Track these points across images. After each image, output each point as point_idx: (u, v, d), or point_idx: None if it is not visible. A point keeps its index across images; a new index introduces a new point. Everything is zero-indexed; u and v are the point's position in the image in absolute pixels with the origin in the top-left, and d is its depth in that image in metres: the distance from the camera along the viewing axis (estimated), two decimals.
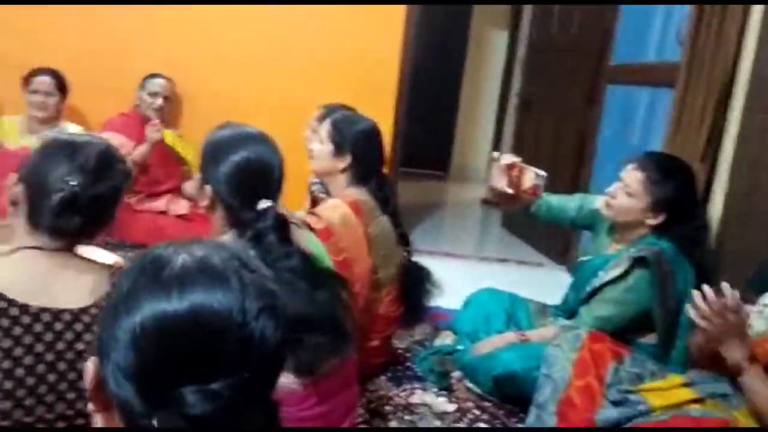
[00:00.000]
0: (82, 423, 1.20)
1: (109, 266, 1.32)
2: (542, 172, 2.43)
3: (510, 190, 2.39)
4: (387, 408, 2.15)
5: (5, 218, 1.31)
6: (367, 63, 3.75)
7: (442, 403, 2.22)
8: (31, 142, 3.02)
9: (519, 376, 2.11)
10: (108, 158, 1.28)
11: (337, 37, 3.77)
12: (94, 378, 0.69)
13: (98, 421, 0.72)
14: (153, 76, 3.70)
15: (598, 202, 2.32)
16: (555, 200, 2.47)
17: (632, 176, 2.16)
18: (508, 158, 2.42)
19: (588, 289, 2.23)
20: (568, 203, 2.48)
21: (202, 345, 0.64)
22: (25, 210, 1.24)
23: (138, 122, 3.64)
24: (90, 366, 0.70)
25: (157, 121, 3.50)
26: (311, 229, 2.00)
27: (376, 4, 3.70)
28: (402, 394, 2.25)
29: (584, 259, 2.41)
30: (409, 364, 2.48)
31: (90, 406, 0.71)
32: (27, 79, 3.53)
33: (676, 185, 2.14)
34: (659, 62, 3.21)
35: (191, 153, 3.66)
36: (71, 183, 1.21)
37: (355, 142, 2.26)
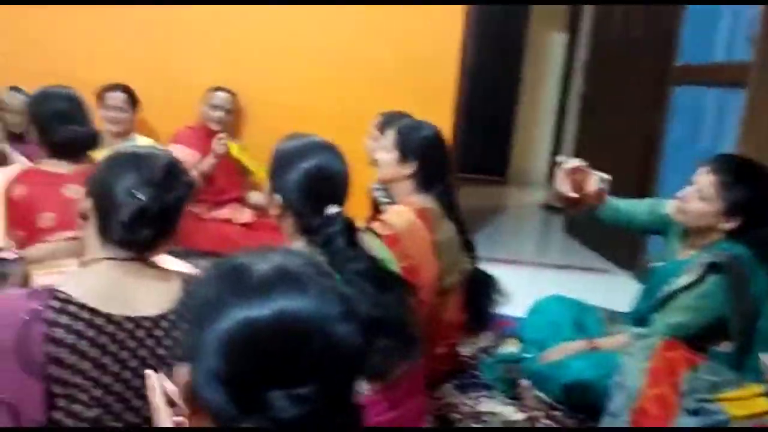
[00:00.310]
0: None
1: (182, 273, 1.36)
2: (606, 176, 2.39)
3: (574, 195, 2.36)
4: (455, 416, 2.14)
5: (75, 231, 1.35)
6: (425, 68, 3.76)
7: (511, 412, 2.19)
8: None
9: (590, 385, 2.07)
10: (173, 170, 1.30)
11: (395, 44, 3.79)
12: (185, 381, 0.71)
13: (189, 425, 0.75)
14: (215, 89, 3.79)
15: (669, 206, 2.26)
16: (623, 204, 2.42)
17: (705, 180, 2.10)
18: (573, 162, 2.38)
19: (660, 295, 2.17)
20: (637, 207, 2.42)
21: (287, 350, 0.66)
22: (95, 223, 1.28)
23: (203, 135, 3.74)
24: (181, 371, 0.72)
25: (224, 135, 3.59)
26: (377, 235, 2.02)
27: (434, 4, 3.71)
28: (469, 401, 2.24)
29: (656, 265, 2.35)
30: (474, 371, 2.46)
31: (181, 410, 0.74)
32: (100, 95, 3.66)
33: (750, 189, 2.07)
34: (728, 62, 3.12)
35: (255, 163, 3.73)
36: (139, 197, 1.23)
37: (421, 148, 2.27)
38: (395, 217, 2.14)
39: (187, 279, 1.35)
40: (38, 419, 1.12)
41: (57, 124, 2.19)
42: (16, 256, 1.85)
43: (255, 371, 0.65)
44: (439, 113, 3.53)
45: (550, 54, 6.96)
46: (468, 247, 2.38)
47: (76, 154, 2.22)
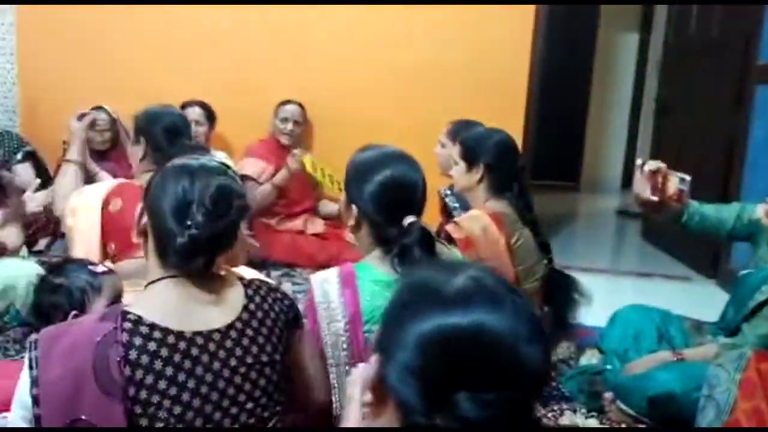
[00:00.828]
0: None
1: (242, 278, 1.37)
2: (687, 177, 2.29)
3: (655, 198, 2.28)
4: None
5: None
6: (495, 75, 3.74)
7: (594, 425, 2.13)
8: None
9: (677, 397, 1.99)
10: (225, 195, 1.26)
11: (464, 51, 3.78)
12: (376, 373, 0.77)
13: (369, 413, 0.80)
14: (285, 102, 3.86)
15: (759, 210, 2.15)
16: (709, 210, 2.32)
17: None
18: (653, 164, 2.30)
19: (750, 304, 2.07)
20: (723, 213, 2.31)
21: (478, 358, 0.72)
22: (152, 244, 1.28)
23: (275, 147, 3.81)
24: (373, 362, 0.78)
25: (298, 151, 3.64)
26: (451, 239, 2.01)
27: (503, 4, 3.67)
28: (550, 414, 2.19)
29: (745, 272, 2.24)
30: (554, 383, 2.40)
31: (366, 398, 0.79)
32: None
33: None
34: None
35: (327, 178, 3.78)
36: (189, 233, 1.21)
37: (486, 155, 2.27)
38: (469, 221, 2.14)
39: (249, 284, 1.36)
40: None
41: (170, 139, 2.29)
42: (106, 269, 1.91)
43: (447, 372, 0.71)
44: (510, 119, 3.49)
45: (622, 55, 6.78)
46: (544, 249, 2.33)
47: None
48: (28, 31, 4.23)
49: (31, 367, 1.16)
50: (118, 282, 1.90)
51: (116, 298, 1.85)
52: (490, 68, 3.74)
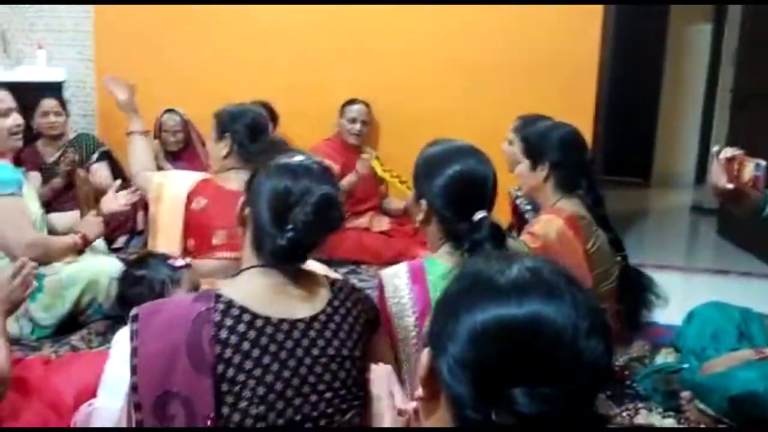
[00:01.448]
0: (325, 423, 1.28)
1: (328, 276, 1.42)
2: (762, 162, 2.18)
3: (731, 186, 2.18)
4: (610, 427, 2.05)
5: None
6: (563, 69, 3.67)
7: (672, 425, 2.07)
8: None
9: (760, 397, 1.91)
10: (327, 204, 1.28)
11: (531, 45, 3.73)
12: (427, 367, 0.75)
13: (420, 409, 0.78)
14: (351, 102, 3.89)
15: None
16: None
17: None
18: (729, 151, 2.19)
19: None
20: None
21: (536, 351, 0.68)
22: (250, 235, 1.34)
23: (340, 146, 3.85)
24: (424, 356, 0.75)
25: (368, 155, 3.67)
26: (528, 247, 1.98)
27: (572, 3, 3.61)
28: (625, 413, 2.14)
29: None
30: (628, 382, 2.34)
31: (418, 392, 0.77)
32: None
33: None
34: None
35: (396, 179, 3.80)
36: (288, 236, 1.24)
37: (551, 152, 2.19)
38: (544, 227, 2.08)
39: (336, 283, 1.40)
40: (208, 414, 1.19)
41: (252, 136, 2.36)
42: (184, 262, 1.97)
43: (502, 365, 0.68)
44: (579, 114, 3.41)
45: (694, 47, 6.54)
46: (616, 245, 2.26)
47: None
48: (105, 38, 4.41)
49: (131, 339, 1.22)
50: (195, 276, 1.97)
51: (194, 291, 1.92)
52: (558, 62, 3.67)
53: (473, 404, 0.68)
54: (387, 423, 1.18)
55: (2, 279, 1.76)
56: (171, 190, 2.39)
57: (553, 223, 2.10)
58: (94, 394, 1.76)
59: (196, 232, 2.31)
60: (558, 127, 2.28)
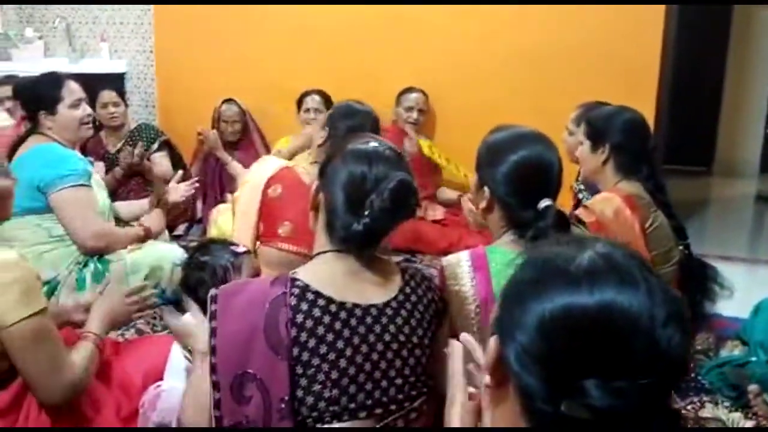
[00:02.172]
0: (395, 408, 1.28)
1: (398, 263, 1.42)
2: None
3: None
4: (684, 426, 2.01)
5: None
6: (624, 57, 3.58)
7: (738, 419, 2.01)
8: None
9: None
10: (404, 193, 1.27)
11: (590, 32, 3.64)
12: (495, 355, 0.73)
13: (487, 397, 0.76)
14: (408, 90, 3.88)
15: None
16: None
17: None
18: None
19: None
20: None
21: (609, 342, 0.65)
22: (323, 221, 1.34)
23: (396, 136, 3.84)
24: (492, 344, 0.74)
25: (413, 134, 3.67)
26: (581, 222, 1.95)
27: (634, 3, 3.51)
28: (690, 407, 2.09)
29: None
30: (693, 374, 2.29)
31: (485, 380, 0.75)
32: (300, 102, 3.92)
33: None
34: None
35: (445, 158, 3.79)
36: (364, 222, 1.24)
37: (613, 135, 2.15)
38: (601, 204, 2.05)
39: (407, 270, 1.40)
40: (283, 396, 1.21)
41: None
42: (245, 249, 2.01)
43: (572, 356, 0.65)
44: (640, 102, 3.30)
45: (759, 32, 6.30)
46: (680, 233, 2.21)
47: None
48: (165, 31, 4.51)
49: (210, 319, 1.25)
50: (256, 262, 2.01)
51: (254, 277, 1.95)
52: (620, 49, 3.58)
53: (543, 396, 0.66)
54: (457, 402, 1.17)
55: (118, 296, 1.83)
56: (255, 174, 2.45)
57: (611, 200, 2.06)
58: (160, 376, 1.81)
59: (267, 218, 2.36)
60: (623, 111, 2.23)
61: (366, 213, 1.25)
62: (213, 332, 1.24)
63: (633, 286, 0.67)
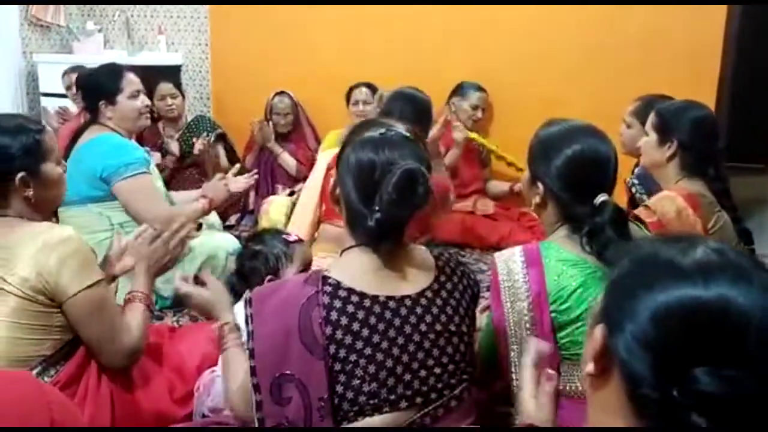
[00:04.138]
0: (435, 397, 1.29)
1: (431, 251, 1.40)
2: None
3: None
4: None
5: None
6: (683, 52, 3.49)
7: None
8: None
9: None
10: (409, 183, 1.23)
11: (648, 25, 3.56)
12: (600, 344, 0.75)
13: (587, 383, 0.78)
14: (472, 88, 3.82)
15: None
16: None
17: None
18: None
19: None
20: None
21: (723, 334, 0.67)
22: (344, 214, 1.34)
23: (447, 131, 3.82)
24: (597, 332, 0.76)
25: (458, 122, 3.64)
26: (642, 222, 1.91)
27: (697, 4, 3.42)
28: None
29: None
30: None
31: (589, 368, 0.77)
32: (349, 95, 3.94)
33: None
34: None
35: (496, 145, 3.76)
36: (375, 217, 1.23)
37: (682, 129, 2.08)
38: (662, 203, 2.00)
39: (441, 257, 1.39)
40: (322, 395, 1.22)
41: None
42: (297, 237, 2.04)
43: (685, 346, 0.68)
44: (700, 98, 3.18)
45: None
46: (745, 237, 2.14)
47: None
48: (220, 24, 4.57)
49: (247, 323, 1.27)
50: (308, 250, 2.04)
51: (306, 265, 1.98)
52: (680, 43, 3.49)
53: (652, 383, 0.69)
54: (526, 390, 1.15)
55: (158, 242, 1.87)
56: (319, 164, 2.58)
57: (673, 199, 2.00)
58: (214, 362, 1.85)
59: (327, 200, 2.41)
60: (694, 107, 2.16)
61: (376, 208, 1.24)
62: (250, 336, 1.25)
63: (747, 281, 0.69)
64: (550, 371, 1.18)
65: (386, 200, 1.22)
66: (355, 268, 1.30)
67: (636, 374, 0.70)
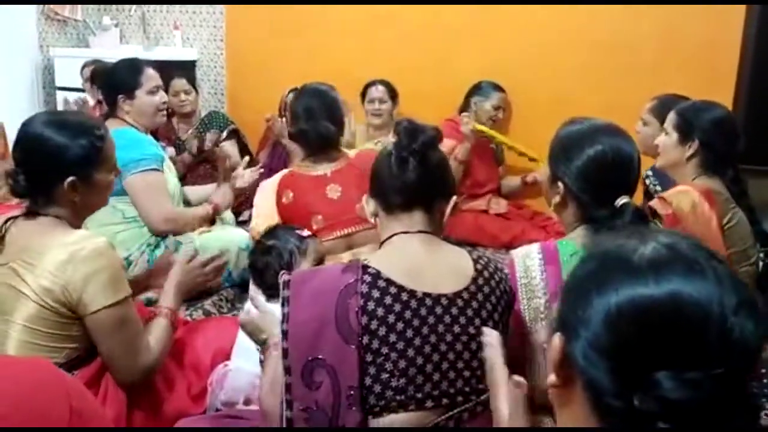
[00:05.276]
0: (461, 400, 1.28)
1: (470, 252, 1.40)
2: None
3: None
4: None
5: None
6: (702, 51, 3.45)
7: None
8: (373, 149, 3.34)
9: None
10: (411, 131, 1.39)
11: (672, 28, 3.52)
12: (559, 353, 0.72)
13: (553, 396, 0.74)
14: (493, 87, 3.81)
15: None
16: None
17: None
18: None
19: None
20: None
21: (680, 332, 0.64)
22: (378, 204, 1.39)
23: (454, 127, 3.80)
24: (554, 341, 0.72)
25: (466, 114, 3.63)
26: (656, 215, 1.89)
27: (715, 4, 3.38)
28: (764, 414, 2.01)
29: None
30: (766, 380, 2.20)
31: (550, 379, 0.73)
32: (364, 92, 3.93)
33: None
34: None
35: (509, 141, 3.74)
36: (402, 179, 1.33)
37: (703, 129, 2.09)
38: (678, 196, 1.99)
39: (480, 259, 1.39)
40: (351, 384, 1.21)
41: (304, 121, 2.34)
42: (310, 233, 2.04)
43: (642, 349, 0.64)
44: (717, 98, 3.19)
45: None
46: (762, 239, 2.13)
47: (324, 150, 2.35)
48: (235, 20, 4.58)
49: (283, 305, 1.26)
50: (321, 246, 2.04)
51: (319, 261, 1.98)
52: (698, 43, 3.45)
53: (613, 391, 0.65)
54: (501, 394, 1.17)
55: (194, 264, 1.87)
56: (259, 200, 2.44)
57: (688, 193, 2.00)
58: (227, 356, 1.85)
59: (296, 221, 2.34)
60: (716, 107, 2.16)
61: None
62: (285, 318, 1.25)
63: (701, 274, 0.66)
64: (518, 378, 1.18)
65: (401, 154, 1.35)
66: (395, 259, 1.31)
67: (596, 383, 0.66)
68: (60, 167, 1.55)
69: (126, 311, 1.58)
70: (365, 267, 1.28)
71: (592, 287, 0.69)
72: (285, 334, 1.24)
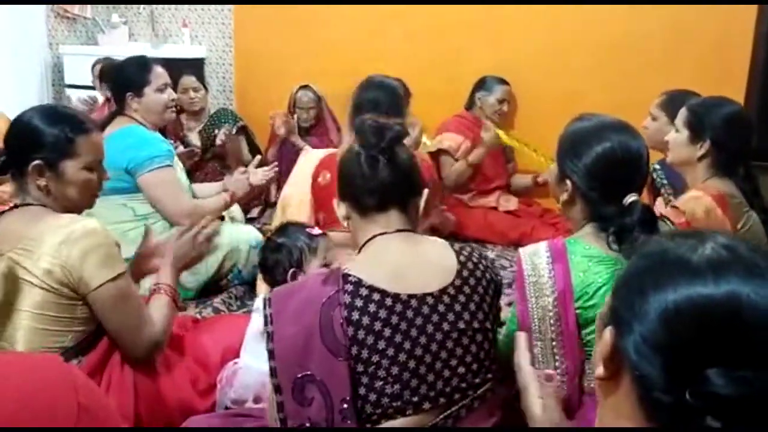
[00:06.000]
0: (459, 398, 1.27)
1: (452, 244, 1.39)
2: None
3: None
4: None
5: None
6: (715, 50, 3.43)
7: None
8: None
9: None
10: (378, 126, 1.38)
11: (682, 24, 3.50)
12: (609, 347, 0.73)
13: (598, 388, 0.76)
14: (498, 81, 3.79)
15: None
16: None
17: None
18: None
19: None
20: None
21: (735, 333, 0.65)
22: (350, 208, 1.39)
23: (471, 123, 3.80)
24: (606, 335, 0.74)
25: (489, 123, 3.62)
26: (671, 223, 1.88)
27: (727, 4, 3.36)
28: None
29: None
30: None
31: (598, 372, 0.75)
32: None
33: None
34: None
35: (519, 140, 3.72)
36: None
37: (715, 127, 2.05)
38: (691, 203, 1.97)
39: (463, 250, 1.37)
40: (345, 396, 1.20)
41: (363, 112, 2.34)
42: (321, 231, 2.03)
43: (696, 346, 0.66)
44: (728, 94, 3.18)
45: None
46: None
47: None
48: (244, 17, 4.58)
49: (266, 323, 1.25)
50: (331, 244, 2.03)
51: (328, 260, 1.98)
52: (708, 40, 3.43)
53: (664, 386, 0.66)
54: (530, 391, 1.15)
55: (185, 238, 1.89)
56: (299, 168, 2.45)
57: (701, 199, 1.98)
58: (237, 354, 1.85)
59: (324, 205, 2.37)
60: (728, 104, 2.12)
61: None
62: (270, 337, 1.23)
63: (759, 277, 0.67)
64: (549, 371, 1.17)
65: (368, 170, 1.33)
66: (375, 263, 1.29)
67: (647, 377, 0.68)
68: (28, 148, 1.60)
69: (126, 285, 1.63)
70: (346, 276, 1.25)
71: (648, 284, 0.70)
72: (271, 353, 1.23)
